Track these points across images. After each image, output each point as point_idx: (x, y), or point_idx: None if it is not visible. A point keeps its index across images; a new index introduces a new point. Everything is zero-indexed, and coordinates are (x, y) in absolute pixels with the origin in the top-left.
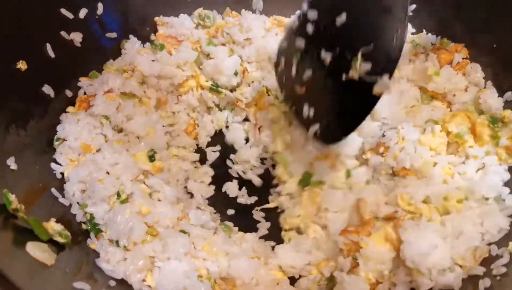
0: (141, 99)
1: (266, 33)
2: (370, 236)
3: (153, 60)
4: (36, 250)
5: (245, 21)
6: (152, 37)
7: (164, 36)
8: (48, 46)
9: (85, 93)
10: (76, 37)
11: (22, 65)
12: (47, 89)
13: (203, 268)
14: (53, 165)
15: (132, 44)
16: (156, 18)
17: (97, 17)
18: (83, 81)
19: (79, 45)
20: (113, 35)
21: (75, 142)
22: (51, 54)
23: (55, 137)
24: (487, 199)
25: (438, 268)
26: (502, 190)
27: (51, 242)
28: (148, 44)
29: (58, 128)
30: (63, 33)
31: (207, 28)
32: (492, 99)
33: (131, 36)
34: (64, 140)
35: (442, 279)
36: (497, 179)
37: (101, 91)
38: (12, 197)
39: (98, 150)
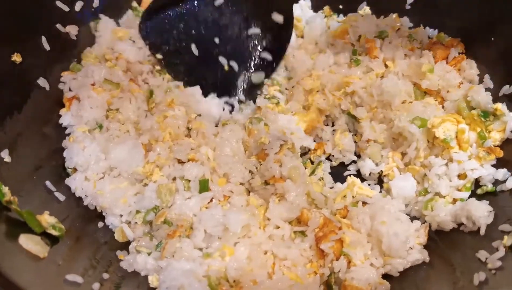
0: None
1: None
2: (344, 228)
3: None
4: (29, 242)
5: None
6: (134, 4)
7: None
8: (43, 38)
9: (70, 90)
10: (72, 30)
11: (17, 58)
12: (42, 82)
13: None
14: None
15: (105, 24)
16: None
17: (93, 10)
18: (65, 76)
19: (74, 38)
20: None
21: (85, 173)
22: (46, 46)
23: (66, 165)
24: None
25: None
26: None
27: (44, 234)
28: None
29: (66, 155)
30: (58, 25)
31: None
32: (479, 95)
33: (101, 15)
34: (75, 169)
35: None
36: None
37: (85, 90)
38: (6, 189)
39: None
